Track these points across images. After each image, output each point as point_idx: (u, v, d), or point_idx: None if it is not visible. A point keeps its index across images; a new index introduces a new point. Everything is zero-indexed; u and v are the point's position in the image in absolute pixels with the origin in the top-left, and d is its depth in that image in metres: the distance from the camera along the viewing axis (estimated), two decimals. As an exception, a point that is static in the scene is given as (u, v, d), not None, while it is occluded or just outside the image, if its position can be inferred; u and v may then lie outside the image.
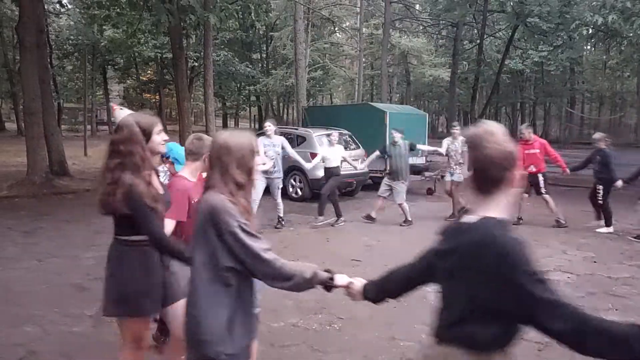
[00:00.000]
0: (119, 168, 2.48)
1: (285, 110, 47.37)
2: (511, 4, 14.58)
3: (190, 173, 3.13)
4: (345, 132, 11.84)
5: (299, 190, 11.26)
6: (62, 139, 14.70)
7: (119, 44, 22.81)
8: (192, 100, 37.80)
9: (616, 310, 4.85)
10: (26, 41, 10.80)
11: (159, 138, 2.65)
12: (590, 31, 13.25)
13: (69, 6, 29.71)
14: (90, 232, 7.62)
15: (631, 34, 13.59)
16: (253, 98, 40.44)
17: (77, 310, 4.61)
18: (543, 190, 8.64)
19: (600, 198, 8.15)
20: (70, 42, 34.78)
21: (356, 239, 7.70)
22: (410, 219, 8.67)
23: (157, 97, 41.29)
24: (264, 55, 39.60)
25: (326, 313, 4.68)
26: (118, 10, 15.94)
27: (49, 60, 34.36)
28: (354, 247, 7.13)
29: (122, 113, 2.69)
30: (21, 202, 10.24)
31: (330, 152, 8.87)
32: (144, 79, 41.71)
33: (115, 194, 2.45)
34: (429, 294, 4.86)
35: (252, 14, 14.63)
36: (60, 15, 36.90)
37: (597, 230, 8.20)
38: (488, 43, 20.23)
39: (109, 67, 38.68)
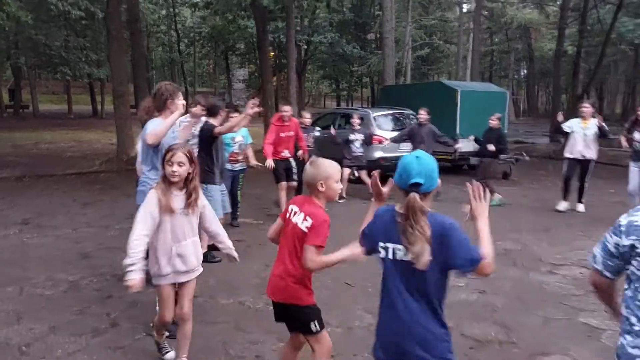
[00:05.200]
0: None
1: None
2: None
3: None
4: (408, 111, 11.37)
5: (355, 171, 11.05)
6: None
7: (219, 30, 24.08)
8: (305, 82, 39.01)
9: (605, 312, 4.16)
10: (112, 29, 11.90)
11: None
12: None
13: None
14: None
15: None
16: (366, 79, 40.33)
17: (64, 275, 5.11)
18: (295, 177, 7.71)
19: None
20: (195, 30, 37.44)
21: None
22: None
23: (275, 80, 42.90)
24: (378, 36, 39.17)
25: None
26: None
27: (177, 47, 37.72)
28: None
29: None
30: (104, 177, 11.42)
31: None
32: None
33: None
34: (371, 283, 4.69)
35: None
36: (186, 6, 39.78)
37: None
38: (605, 11, 17.82)
39: (231, 53, 40.99)
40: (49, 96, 40.46)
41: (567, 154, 8.07)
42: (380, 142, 10.09)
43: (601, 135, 7.80)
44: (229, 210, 6.08)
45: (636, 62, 31.80)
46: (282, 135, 7.63)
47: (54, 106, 37.76)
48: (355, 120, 9.22)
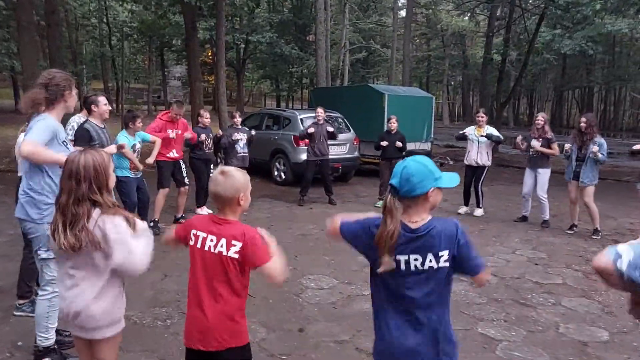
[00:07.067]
0: None
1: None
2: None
3: None
4: (337, 114, 11.27)
5: (282, 174, 10.87)
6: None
7: (149, 24, 23.25)
8: (244, 82, 38.52)
9: (505, 321, 4.17)
10: (23, 20, 11.08)
11: None
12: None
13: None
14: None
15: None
16: (306, 80, 40.22)
17: None
18: (187, 181, 7.23)
19: None
20: (127, 24, 35.93)
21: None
22: None
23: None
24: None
25: (173, 307, 4.35)
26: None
27: (108, 42, 36.18)
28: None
29: None
30: (11, 177, 10.55)
31: None
32: (201, 61, 42.41)
33: None
34: (275, 293, 4.50)
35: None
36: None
37: None
38: (531, 22, 18.58)
39: (166, 49, 39.69)
40: (-33, 89, 37.81)
41: (465, 161, 8.24)
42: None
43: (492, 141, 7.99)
44: None
45: (563, 71, 33.49)
46: (171, 134, 6.88)
47: (-27, 100, 35.31)
48: (237, 119, 8.34)
